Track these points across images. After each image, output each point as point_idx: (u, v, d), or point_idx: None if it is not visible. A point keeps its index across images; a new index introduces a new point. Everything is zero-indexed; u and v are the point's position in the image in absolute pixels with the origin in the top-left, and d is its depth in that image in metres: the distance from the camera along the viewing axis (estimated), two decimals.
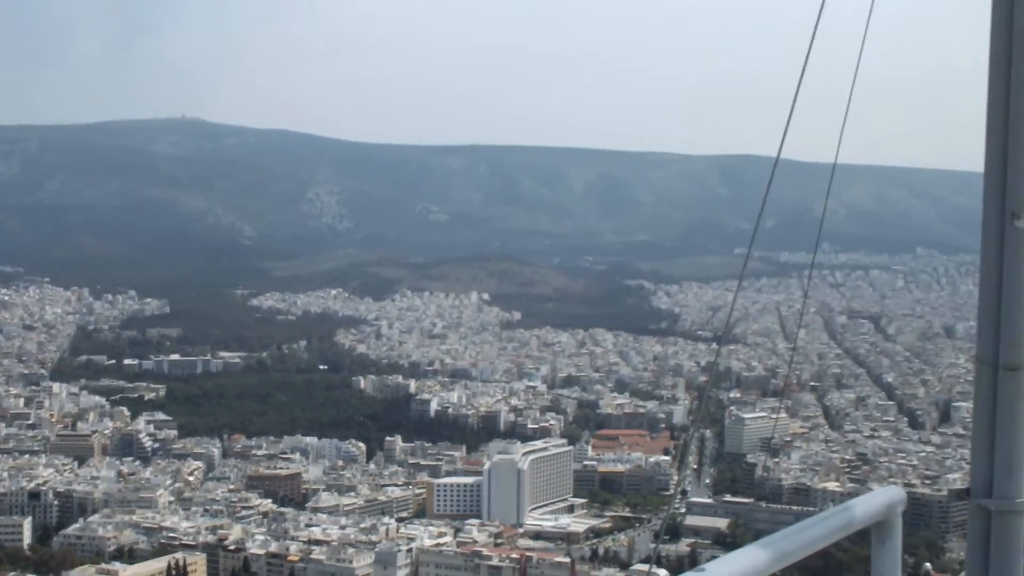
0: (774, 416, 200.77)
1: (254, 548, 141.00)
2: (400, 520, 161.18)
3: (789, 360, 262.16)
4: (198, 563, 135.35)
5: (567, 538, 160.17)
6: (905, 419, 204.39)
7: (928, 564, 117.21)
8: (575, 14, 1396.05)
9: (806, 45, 7.79)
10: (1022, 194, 6.70)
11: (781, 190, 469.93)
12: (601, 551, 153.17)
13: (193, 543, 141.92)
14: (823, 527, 6.55)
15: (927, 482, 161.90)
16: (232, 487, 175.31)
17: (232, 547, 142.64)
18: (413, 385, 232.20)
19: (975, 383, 7.10)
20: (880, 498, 7.33)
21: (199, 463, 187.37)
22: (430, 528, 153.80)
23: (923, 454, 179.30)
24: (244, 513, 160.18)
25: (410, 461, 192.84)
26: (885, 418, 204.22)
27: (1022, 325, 6.80)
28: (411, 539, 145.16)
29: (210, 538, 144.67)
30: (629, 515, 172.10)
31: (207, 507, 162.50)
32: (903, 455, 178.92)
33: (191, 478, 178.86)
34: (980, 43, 6.82)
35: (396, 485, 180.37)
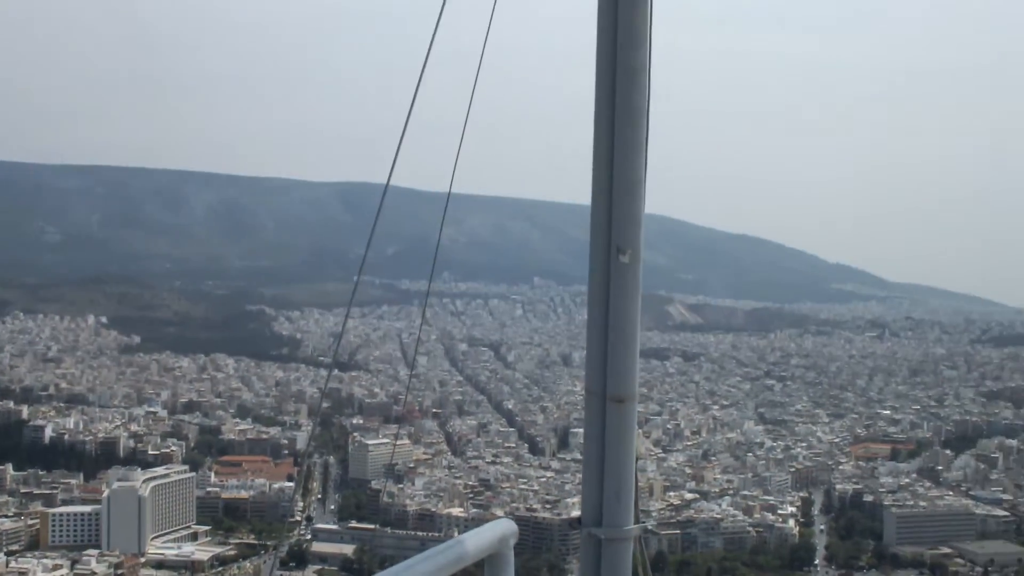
0: (396, 442, 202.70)
1: None
2: (11, 554, 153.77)
3: (407, 386, 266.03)
4: None
5: (191, 566, 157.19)
6: (526, 445, 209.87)
7: None
8: (192, 38, 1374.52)
9: (429, 74, 8.08)
10: (627, 230, 7.03)
11: (402, 218, 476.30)
12: None
13: None
14: (435, 562, 6.65)
15: (548, 507, 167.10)
16: None
17: None
18: (26, 411, 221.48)
19: (585, 414, 7.41)
20: (492, 531, 7.50)
21: None
22: (44, 561, 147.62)
23: (543, 479, 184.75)
24: None
25: (22, 490, 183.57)
26: (506, 444, 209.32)
27: (628, 358, 7.15)
28: (23, 573, 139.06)
29: None
30: (254, 542, 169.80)
31: None
32: (524, 480, 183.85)
33: None
34: (591, 79, 7.18)
35: (6, 516, 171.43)
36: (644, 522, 7.50)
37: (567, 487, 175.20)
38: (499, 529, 7.50)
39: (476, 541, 7.22)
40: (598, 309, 7.17)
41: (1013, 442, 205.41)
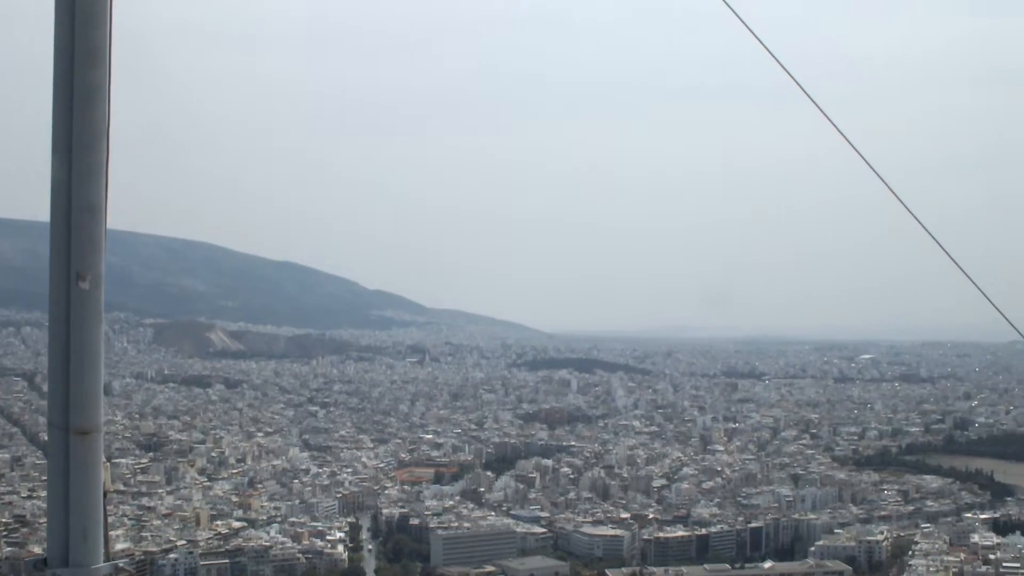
0: None
1: None
2: None
3: None
4: None
5: None
6: None
7: None
8: None
9: None
10: (87, 255, 6.81)
11: None
12: None
13: None
14: None
15: None
16: None
17: None
18: None
19: (48, 448, 7.17)
20: None
21: None
22: None
23: None
24: None
25: None
26: (43, 478, 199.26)
27: (91, 388, 6.93)
28: None
29: None
30: None
31: None
32: None
33: None
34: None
35: None
36: (115, 560, 7.06)
37: (109, 520, 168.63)
38: None
39: None
40: (59, 338, 6.82)
41: (548, 462, 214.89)
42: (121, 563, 7.23)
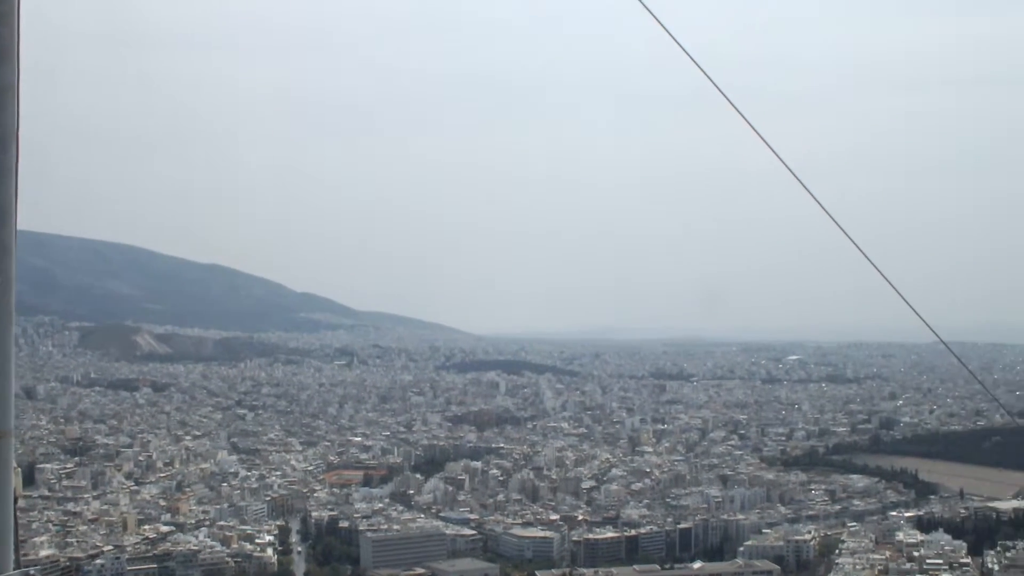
0: None
1: None
2: None
3: None
4: None
5: None
6: None
7: None
8: None
9: None
10: None
11: None
12: None
13: None
14: None
15: None
16: None
17: None
18: None
19: None
20: None
21: None
22: None
23: None
24: None
25: None
26: None
27: (3, 391, 6.95)
28: None
29: None
30: None
31: None
32: None
33: None
34: None
35: None
36: (26, 568, 6.90)
37: (34, 525, 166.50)
38: None
39: None
40: None
41: (478, 464, 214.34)
42: (32, 571, 7.01)
